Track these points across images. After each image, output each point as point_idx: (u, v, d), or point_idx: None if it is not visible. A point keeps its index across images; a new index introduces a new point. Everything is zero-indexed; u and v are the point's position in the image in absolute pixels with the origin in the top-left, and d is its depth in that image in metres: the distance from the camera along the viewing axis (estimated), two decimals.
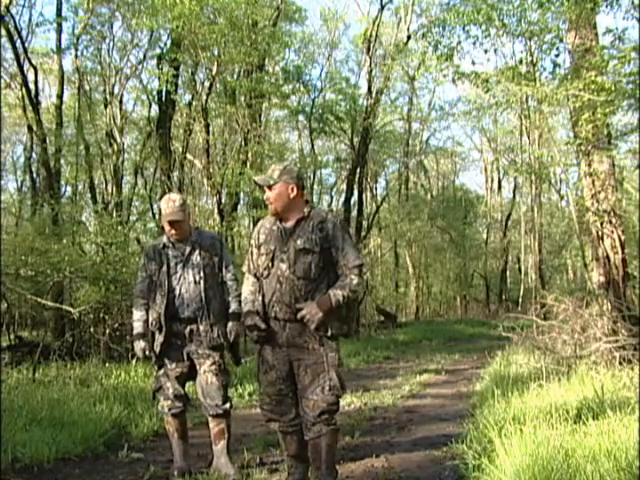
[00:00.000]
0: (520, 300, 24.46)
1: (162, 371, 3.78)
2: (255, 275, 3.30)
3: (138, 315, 3.81)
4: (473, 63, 8.45)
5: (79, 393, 5.66)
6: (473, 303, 30.60)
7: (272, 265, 3.17)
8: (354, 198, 19.47)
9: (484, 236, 31.37)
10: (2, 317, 10.10)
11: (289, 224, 3.21)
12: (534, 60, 8.52)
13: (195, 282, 3.72)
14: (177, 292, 3.72)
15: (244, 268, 3.39)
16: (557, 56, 7.62)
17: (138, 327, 3.79)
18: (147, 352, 3.75)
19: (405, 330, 17.92)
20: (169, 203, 3.74)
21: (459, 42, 7.77)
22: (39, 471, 3.89)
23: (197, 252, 3.77)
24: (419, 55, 16.50)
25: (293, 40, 17.93)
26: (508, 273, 29.98)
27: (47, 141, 12.44)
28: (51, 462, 4.00)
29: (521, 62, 8.29)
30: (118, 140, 15.38)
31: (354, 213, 19.43)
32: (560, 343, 6.80)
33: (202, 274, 3.72)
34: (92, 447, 4.34)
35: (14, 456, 3.93)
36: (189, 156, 16.14)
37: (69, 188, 17.23)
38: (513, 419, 3.78)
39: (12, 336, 9.94)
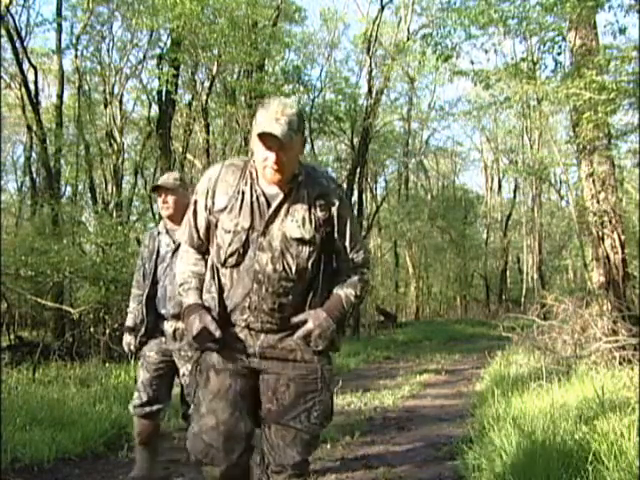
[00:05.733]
0: (521, 300, 24.46)
1: (140, 361, 3.55)
2: (200, 250, 2.28)
3: (132, 307, 3.64)
4: (472, 63, 8.47)
5: (79, 393, 5.66)
6: (473, 303, 30.61)
7: (244, 251, 2.11)
8: (354, 198, 19.48)
9: (484, 236, 31.39)
10: (2, 317, 10.10)
11: (273, 190, 2.14)
12: (534, 59, 8.53)
13: None
14: (162, 283, 3.46)
15: (180, 235, 2.39)
16: (559, 54, 7.64)
17: (129, 320, 3.62)
18: (132, 347, 3.57)
19: (405, 330, 17.93)
20: (166, 174, 3.68)
21: (458, 43, 7.80)
22: (39, 471, 3.88)
23: None
24: (418, 55, 16.52)
25: (293, 40, 17.95)
26: (508, 273, 29.98)
27: (47, 141, 12.44)
28: (51, 462, 3.99)
29: (524, 60, 8.30)
30: (118, 140, 15.37)
31: (354, 213, 19.44)
32: (560, 343, 6.80)
33: None
34: (92, 447, 4.34)
35: (14, 456, 3.92)
36: (189, 156, 16.14)
37: (69, 188, 17.22)
38: (513, 419, 3.78)
39: (12, 336, 9.95)
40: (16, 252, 8.74)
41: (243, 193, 2.14)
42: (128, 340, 3.58)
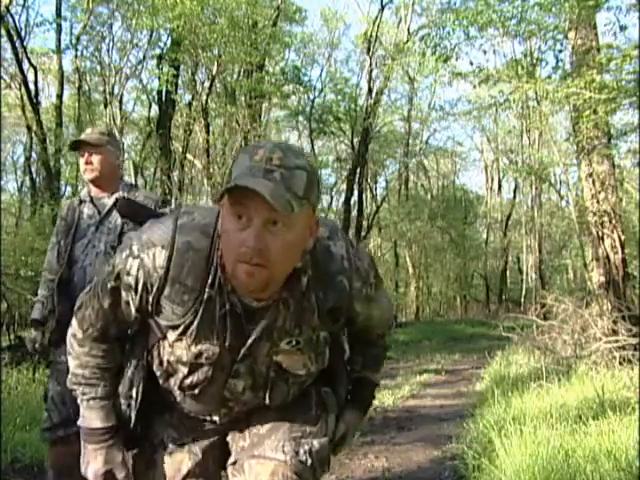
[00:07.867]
0: (521, 300, 24.48)
1: (50, 370, 2.76)
2: (115, 338, 1.40)
3: (40, 295, 2.84)
4: (471, 64, 8.47)
5: None
6: (473, 303, 30.62)
7: (209, 383, 1.36)
8: (354, 198, 19.50)
9: (484, 236, 31.40)
10: (2, 317, 10.10)
11: (260, 302, 1.28)
12: (534, 59, 8.54)
13: (106, 252, 2.64)
14: (80, 264, 2.69)
15: (83, 323, 1.39)
16: (560, 52, 7.66)
17: (35, 312, 2.80)
18: (37, 345, 2.76)
19: (405, 330, 17.92)
20: (90, 129, 2.95)
21: (457, 44, 7.81)
22: (39, 471, 3.87)
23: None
24: (418, 55, 16.56)
25: (293, 40, 17.98)
26: (508, 273, 29.98)
27: (47, 141, 12.46)
28: None
29: (525, 56, 8.33)
30: (118, 140, 15.39)
31: (354, 213, 19.45)
32: (560, 343, 6.80)
33: (118, 242, 2.57)
34: None
35: (14, 456, 3.92)
36: (189, 156, 16.16)
37: (69, 188, 17.24)
38: (513, 419, 3.78)
39: (12, 336, 9.94)
40: (16, 252, 8.75)
41: (209, 302, 1.26)
42: (33, 336, 2.78)
